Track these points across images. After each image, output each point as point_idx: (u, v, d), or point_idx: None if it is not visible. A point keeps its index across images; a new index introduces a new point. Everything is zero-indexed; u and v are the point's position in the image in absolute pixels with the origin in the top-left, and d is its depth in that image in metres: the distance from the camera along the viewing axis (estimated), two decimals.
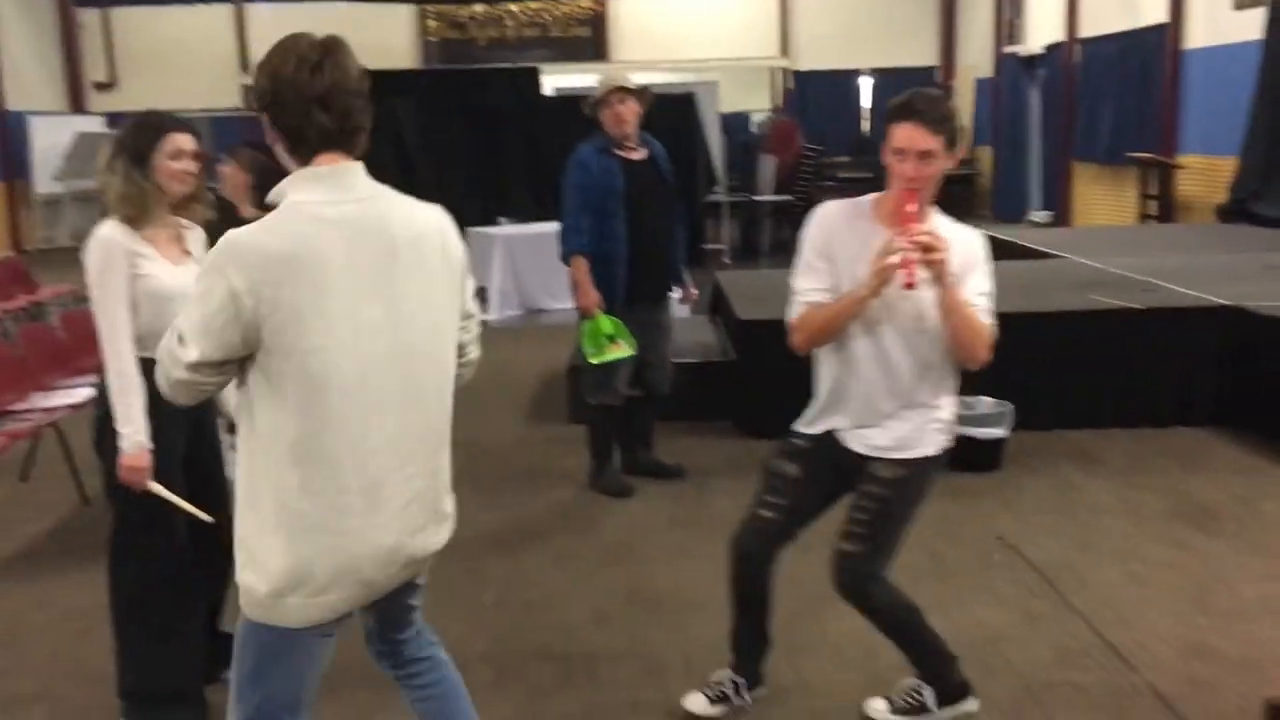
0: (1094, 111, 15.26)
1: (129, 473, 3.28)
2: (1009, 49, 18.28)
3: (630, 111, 5.25)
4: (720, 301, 8.06)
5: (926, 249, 2.83)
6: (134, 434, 3.27)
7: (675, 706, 3.50)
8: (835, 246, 3.05)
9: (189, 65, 20.09)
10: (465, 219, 12.52)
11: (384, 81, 14.00)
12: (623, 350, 5.27)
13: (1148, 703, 3.47)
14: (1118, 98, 14.51)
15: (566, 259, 5.35)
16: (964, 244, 3.03)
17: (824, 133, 19.50)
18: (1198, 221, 12.47)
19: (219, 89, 20.10)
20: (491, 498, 5.54)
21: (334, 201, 2.20)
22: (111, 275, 3.27)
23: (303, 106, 2.17)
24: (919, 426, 3.12)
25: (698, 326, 7.81)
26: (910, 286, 2.85)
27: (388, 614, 2.56)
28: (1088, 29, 15.56)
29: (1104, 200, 15.23)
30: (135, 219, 3.34)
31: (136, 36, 20.34)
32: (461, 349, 2.47)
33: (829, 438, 3.21)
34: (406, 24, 20.63)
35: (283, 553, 2.19)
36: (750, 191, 15.50)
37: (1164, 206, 13.15)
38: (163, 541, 3.45)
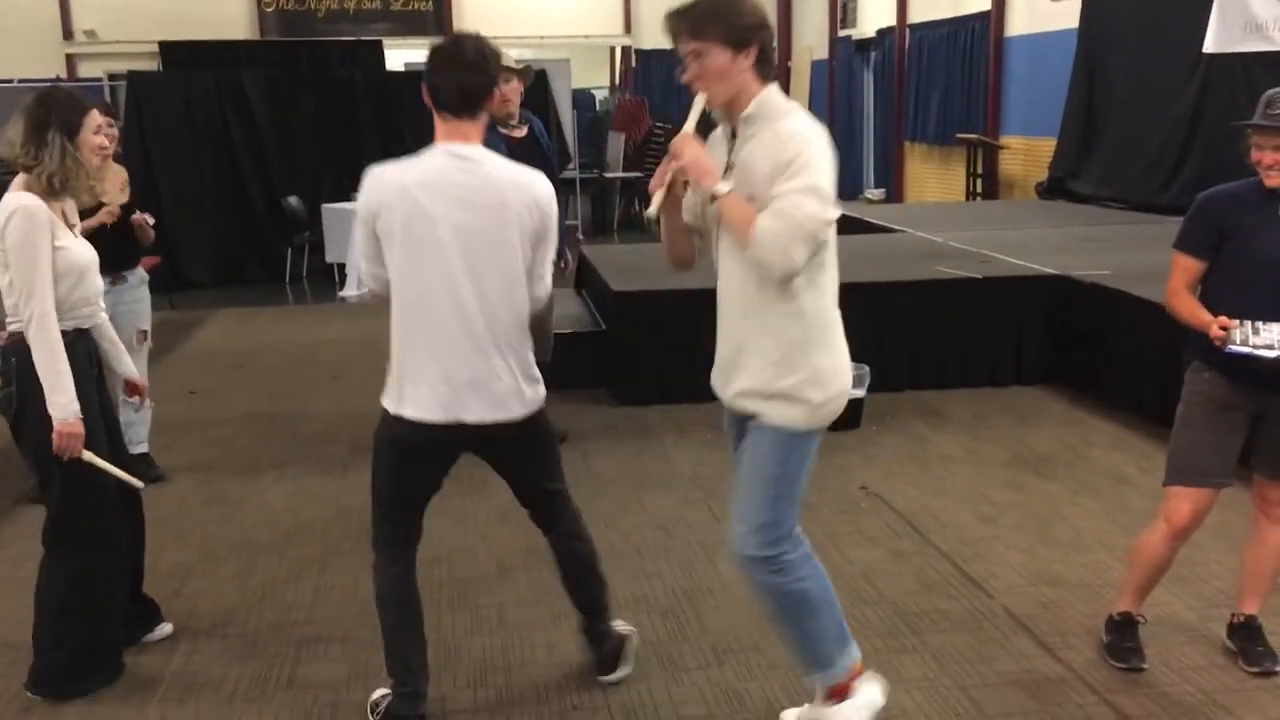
0: (923, 94, 16.07)
1: (65, 440, 3.32)
2: (843, 32, 19.03)
3: (514, 91, 5.43)
4: (586, 275, 8.32)
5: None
6: (68, 403, 3.31)
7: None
8: None
9: (8, 34, 19.13)
10: (319, 194, 12.33)
11: (228, 52, 13.64)
12: None
13: (1004, 623, 3.92)
14: (945, 81, 15.33)
15: None
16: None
17: (667, 110, 19.94)
18: (1020, 198, 13.35)
19: (40, 58, 19.22)
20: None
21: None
22: (41, 245, 3.31)
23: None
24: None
25: (564, 299, 8.04)
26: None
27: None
28: (917, 15, 16.35)
29: (934, 178, 16.09)
30: (60, 190, 3.40)
31: None
32: None
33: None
34: None
35: None
36: (600, 168, 15.78)
37: (989, 184, 14.00)
38: (103, 522, 3.51)
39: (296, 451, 6.03)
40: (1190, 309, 3.36)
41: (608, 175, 15.53)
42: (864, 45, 18.31)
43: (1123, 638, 3.62)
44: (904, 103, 16.75)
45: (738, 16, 2.75)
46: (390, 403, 3.13)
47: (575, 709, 3.43)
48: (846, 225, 10.84)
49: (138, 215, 5.51)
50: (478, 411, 3.07)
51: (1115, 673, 3.55)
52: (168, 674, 3.67)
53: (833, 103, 19.43)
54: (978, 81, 14.51)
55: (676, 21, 2.79)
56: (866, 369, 6.21)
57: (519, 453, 3.29)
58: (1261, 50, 8.88)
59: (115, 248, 5.35)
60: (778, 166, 2.68)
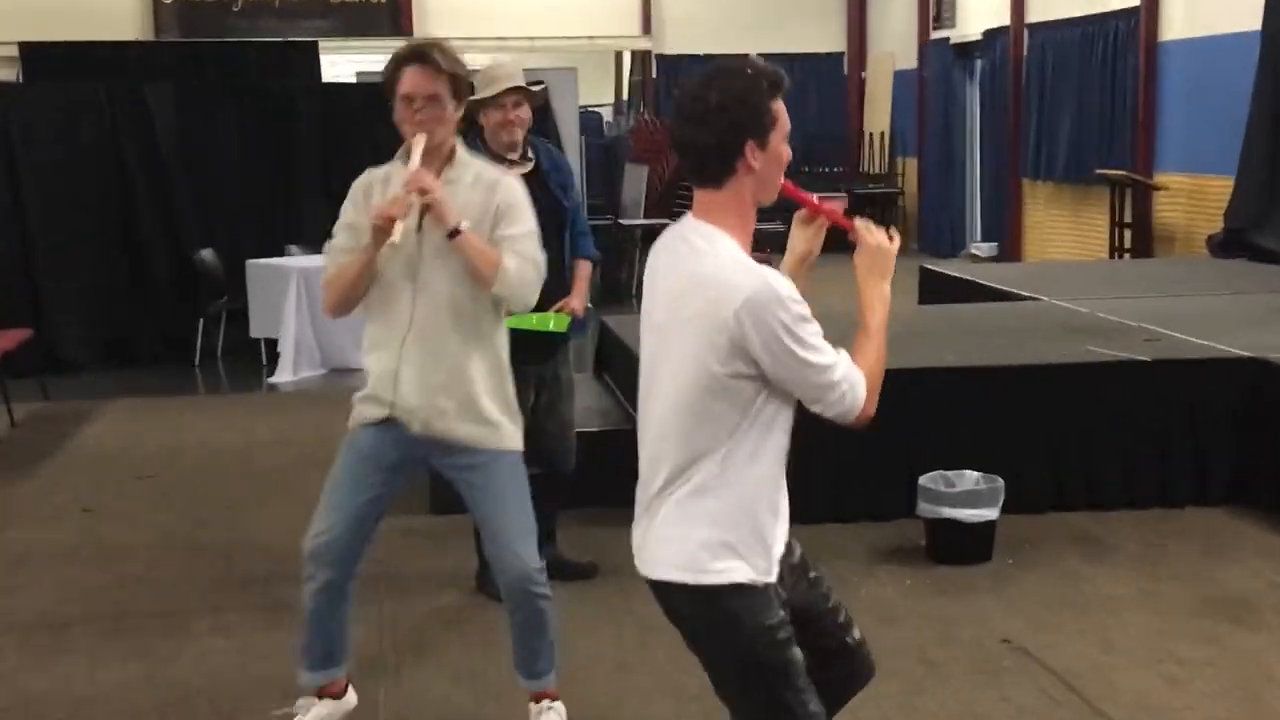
0: (1049, 116, 16.44)
1: None
2: (937, 34, 19.51)
3: (524, 118, 5.68)
4: (612, 354, 8.53)
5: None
6: None
7: None
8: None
9: None
10: (242, 246, 12.62)
11: (113, 58, 13.96)
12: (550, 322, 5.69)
13: None
14: (1079, 99, 15.70)
15: None
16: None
17: None
18: (1182, 254, 13.61)
19: None
20: (356, 606, 5.82)
21: None
22: None
23: None
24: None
25: (582, 386, 8.23)
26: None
27: None
28: (1038, 11, 16.81)
29: (1064, 228, 16.42)
30: None
31: None
32: None
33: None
34: None
35: None
36: (614, 213, 16.14)
37: (1141, 237, 14.27)
38: None
39: (235, 592, 6.18)
40: None
41: (624, 222, 15.85)
42: (966, 51, 18.79)
43: None
44: (1022, 127, 17.13)
45: (464, 71, 4.27)
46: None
47: None
48: (952, 290, 11.09)
49: None
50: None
51: None
52: None
53: (923, 125, 19.85)
54: (1123, 100, 14.89)
55: (434, 57, 4.16)
56: (1000, 481, 6.38)
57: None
58: None
59: None
60: (496, 209, 4.26)
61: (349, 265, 4.22)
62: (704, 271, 2.94)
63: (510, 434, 4.41)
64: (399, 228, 4.01)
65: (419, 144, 4.13)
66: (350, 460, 4.38)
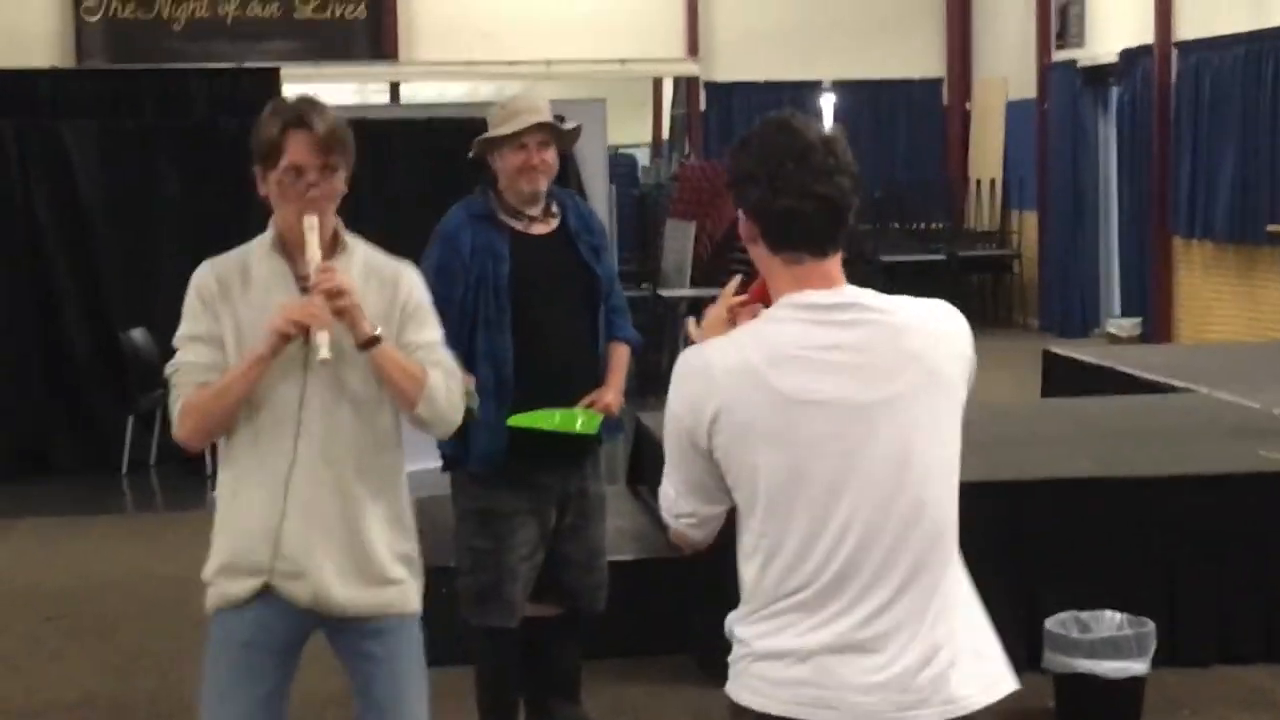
0: (1206, 158, 16.34)
1: None
2: (1061, 55, 19.47)
3: (549, 163, 5.59)
4: (651, 461, 8.36)
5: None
6: None
7: None
8: None
9: None
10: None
11: (26, 88, 13.98)
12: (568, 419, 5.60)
13: None
14: (1244, 136, 15.60)
15: None
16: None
17: None
18: None
19: None
20: None
21: None
22: None
23: None
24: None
25: (613, 503, 8.06)
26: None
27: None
28: (1191, 26, 16.73)
29: (1228, 300, 16.30)
30: None
31: None
32: None
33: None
34: None
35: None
36: (651, 282, 16.12)
37: None
38: None
39: None
40: None
41: (665, 294, 15.77)
42: (1099, 76, 18.76)
43: None
44: (1171, 172, 17.05)
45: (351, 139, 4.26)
46: None
47: None
48: (1085, 379, 10.99)
49: None
50: None
51: None
52: None
53: (1044, 170, 19.82)
54: None
55: (327, 120, 4.12)
56: (1150, 625, 6.27)
57: None
58: None
59: None
60: (402, 309, 4.25)
61: (230, 385, 4.07)
62: (919, 320, 3.16)
63: (414, 593, 4.34)
64: (324, 338, 3.96)
65: (312, 228, 4.07)
66: (230, 655, 4.18)
